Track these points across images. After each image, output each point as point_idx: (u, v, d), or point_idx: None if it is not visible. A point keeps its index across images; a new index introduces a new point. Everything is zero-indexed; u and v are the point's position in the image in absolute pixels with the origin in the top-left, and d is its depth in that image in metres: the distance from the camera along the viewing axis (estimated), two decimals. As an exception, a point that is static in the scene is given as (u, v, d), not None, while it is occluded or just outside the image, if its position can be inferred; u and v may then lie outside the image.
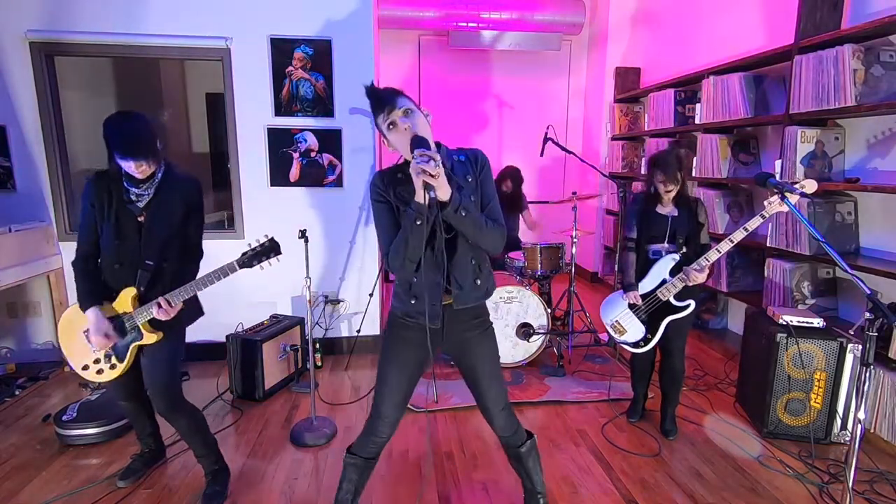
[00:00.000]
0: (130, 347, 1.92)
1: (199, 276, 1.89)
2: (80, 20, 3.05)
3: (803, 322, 2.52)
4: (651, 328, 2.48)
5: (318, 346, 3.39)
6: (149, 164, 1.81)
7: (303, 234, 2.48)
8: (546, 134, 3.81)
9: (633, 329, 2.52)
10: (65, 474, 2.26)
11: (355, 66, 3.32)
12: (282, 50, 3.24)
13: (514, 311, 3.29)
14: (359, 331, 3.61)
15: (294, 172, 3.39)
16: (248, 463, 2.36)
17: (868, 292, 1.40)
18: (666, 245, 2.46)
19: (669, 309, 2.42)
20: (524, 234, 4.27)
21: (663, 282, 2.41)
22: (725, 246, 2.23)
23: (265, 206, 3.39)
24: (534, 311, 3.30)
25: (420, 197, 1.36)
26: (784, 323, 2.52)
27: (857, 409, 1.42)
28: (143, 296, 1.90)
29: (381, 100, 1.47)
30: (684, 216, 2.44)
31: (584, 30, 5.64)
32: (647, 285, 2.46)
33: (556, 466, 2.32)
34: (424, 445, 2.50)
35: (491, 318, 1.74)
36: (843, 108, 2.65)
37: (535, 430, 1.93)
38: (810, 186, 2.04)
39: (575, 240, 3.65)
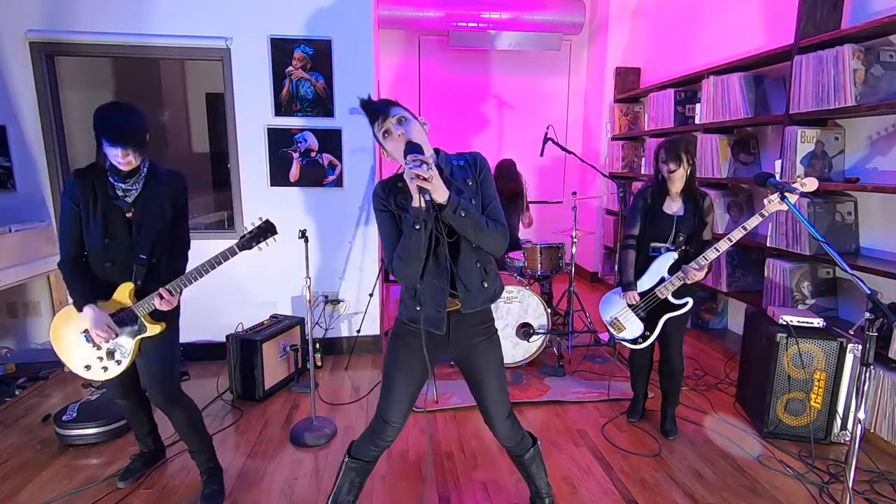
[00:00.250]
0: (135, 341, 1.92)
1: (201, 262, 1.90)
2: (80, 20, 3.05)
3: (803, 322, 2.52)
4: (649, 325, 2.48)
5: (318, 346, 3.38)
6: (135, 155, 1.80)
7: (303, 234, 2.48)
8: (546, 134, 3.81)
9: (632, 326, 2.53)
10: (65, 474, 2.26)
11: (355, 66, 3.33)
12: (282, 50, 3.24)
13: (514, 311, 3.29)
14: (359, 331, 3.61)
15: (294, 172, 3.39)
16: (248, 463, 2.36)
17: (868, 292, 1.40)
18: (668, 245, 2.46)
19: (667, 306, 2.42)
20: (523, 234, 4.27)
21: (662, 279, 2.41)
22: (724, 245, 2.23)
23: (265, 206, 3.38)
24: (534, 311, 3.30)
25: (416, 201, 1.37)
26: (784, 323, 2.52)
27: (857, 409, 1.42)
28: (140, 289, 1.90)
29: (375, 110, 1.50)
30: (690, 215, 2.41)
31: (583, 30, 5.64)
32: (645, 283, 2.46)
33: (556, 466, 2.32)
34: (424, 445, 2.50)
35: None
36: (843, 108, 2.65)
37: (534, 430, 1.93)
38: (811, 184, 2.04)
39: (575, 240, 3.65)
